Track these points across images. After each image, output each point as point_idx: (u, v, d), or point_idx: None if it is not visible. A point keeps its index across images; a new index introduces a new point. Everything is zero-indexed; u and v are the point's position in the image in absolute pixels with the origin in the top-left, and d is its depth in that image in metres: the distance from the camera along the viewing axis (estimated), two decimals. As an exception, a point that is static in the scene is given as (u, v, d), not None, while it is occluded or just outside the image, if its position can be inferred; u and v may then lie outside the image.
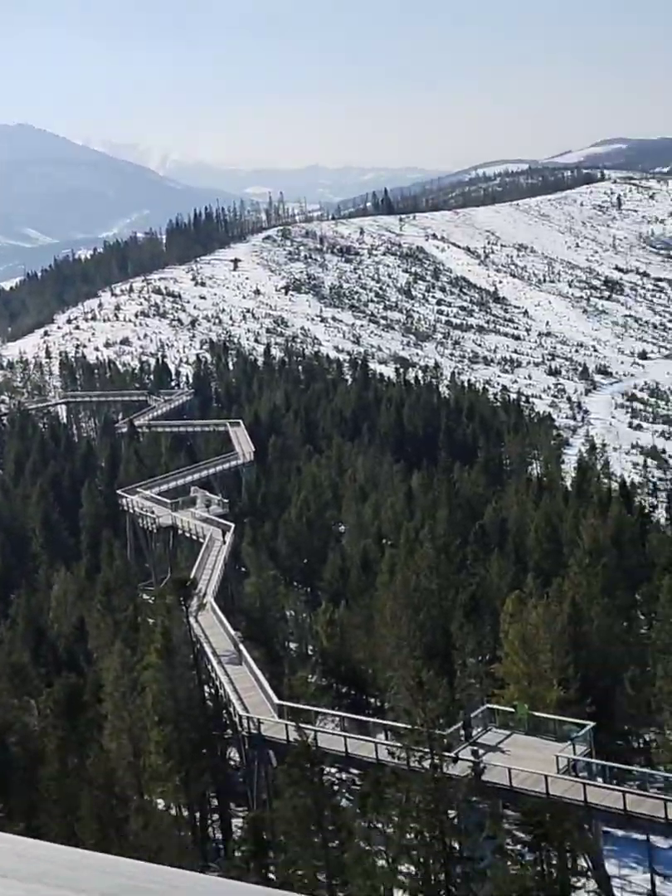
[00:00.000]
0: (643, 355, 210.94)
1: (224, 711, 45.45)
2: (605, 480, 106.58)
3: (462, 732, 38.98)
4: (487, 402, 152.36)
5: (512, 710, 40.55)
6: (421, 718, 30.93)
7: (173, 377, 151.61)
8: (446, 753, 31.57)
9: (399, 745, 32.38)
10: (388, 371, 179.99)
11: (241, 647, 46.59)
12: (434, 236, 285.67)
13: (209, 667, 46.59)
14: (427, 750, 30.62)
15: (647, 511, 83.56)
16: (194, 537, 70.16)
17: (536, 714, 40.23)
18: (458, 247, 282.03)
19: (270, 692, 41.90)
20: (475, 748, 36.97)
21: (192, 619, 46.55)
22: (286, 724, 38.85)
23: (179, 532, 72.71)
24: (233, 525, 67.64)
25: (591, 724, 38.74)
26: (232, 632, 48.69)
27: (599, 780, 38.08)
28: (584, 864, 35.93)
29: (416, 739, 30.97)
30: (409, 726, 31.99)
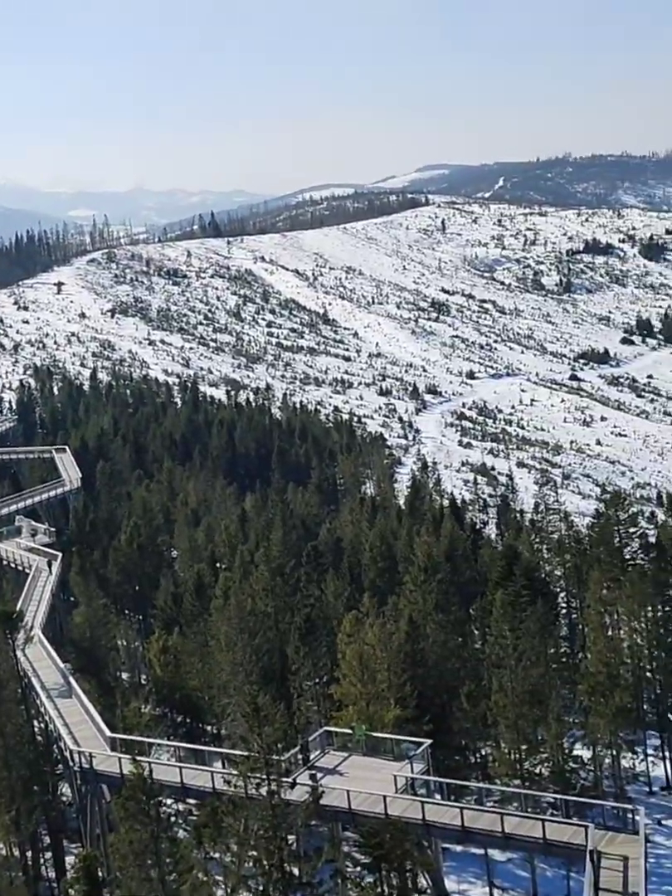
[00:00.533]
0: (471, 375, 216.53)
1: (55, 746, 43.51)
2: (437, 498, 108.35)
3: (300, 757, 38.31)
4: (320, 422, 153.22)
5: (350, 731, 40.14)
6: (258, 744, 30.15)
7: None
8: (284, 779, 30.86)
9: (235, 772, 31.47)
10: (220, 393, 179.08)
11: (71, 679, 44.74)
12: (262, 259, 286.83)
13: (38, 701, 44.57)
14: (264, 776, 29.85)
15: (478, 527, 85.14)
16: (20, 568, 67.39)
17: (374, 734, 39.95)
18: (287, 269, 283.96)
19: (102, 725, 40.32)
20: (313, 772, 36.33)
21: (18, 653, 44.41)
22: (119, 758, 37.42)
23: (3, 563, 69.71)
24: (60, 554, 65.30)
25: (428, 741, 38.70)
26: (61, 664, 46.73)
27: (437, 796, 38.06)
28: (424, 883, 35.76)
29: (252, 766, 30.16)
30: (245, 753, 31.16)
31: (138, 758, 33.30)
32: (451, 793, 42.44)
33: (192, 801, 42.01)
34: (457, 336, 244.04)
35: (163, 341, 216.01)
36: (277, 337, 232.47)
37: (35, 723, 45.37)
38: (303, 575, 62.66)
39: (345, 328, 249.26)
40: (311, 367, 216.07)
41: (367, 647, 45.28)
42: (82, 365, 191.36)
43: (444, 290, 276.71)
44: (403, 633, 48.99)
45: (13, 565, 68.80)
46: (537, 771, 44.33)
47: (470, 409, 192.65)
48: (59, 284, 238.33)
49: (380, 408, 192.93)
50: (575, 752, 46.26)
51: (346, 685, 45.28)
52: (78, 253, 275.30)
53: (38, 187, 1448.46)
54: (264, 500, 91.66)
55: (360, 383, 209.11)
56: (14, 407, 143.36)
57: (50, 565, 63.19)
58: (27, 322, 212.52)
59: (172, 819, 42.91)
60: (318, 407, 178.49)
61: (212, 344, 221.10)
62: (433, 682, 48.87)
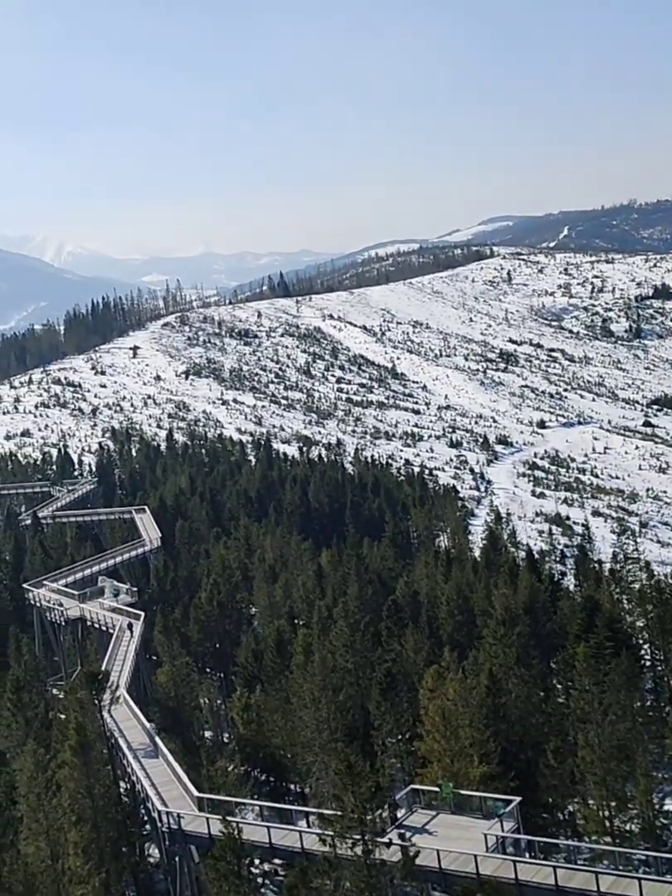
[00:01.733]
0: (541, 424, 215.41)
1: (143, 807, 43.87)
2: (513, 549, 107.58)
3: (388, 815, 38.13)
4: (392, 476, 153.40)
5: (436, 789, 39.88)
6: (352, 803, 30.08)
7: (76, 467, 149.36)
8: (378, 838, 30.72)
9: (329, 832, 31.33)
10: (292, 450, 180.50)
11: (157, 739, 45.17)
12: (331, 316, 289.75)
13: (125, 762, 45.02)
14: (358, 836, 29.77)
15: (556, 578, 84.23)
16: (104, 628, 68.40)
17: (461, 792, 39.61)
18: (355, 326, 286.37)
19: (189, 785, 40.50)
20: (402, 831, 36.13)
21: (105, 713, 45.08)
22: (207, 818, 37.55)
23: (88, 624, 70.83)
24: (143, 614, 66.21)
25: (518, 799, 38.23)
26: (147, 724, 47.24)
27: (527, 855, 37.57)
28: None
29: (346, 825, 30.09)
30: (338, 812, 31.09)
31: (228, 818, 33.54)
32: (541, 851, 41.85)
33: (279, 861, 41.89)
34: (526, 386, 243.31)
35: (236, 400, 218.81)
36: (347, 392, 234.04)
37: (122, 784, 45.81)
38: (382, 630, 62.74)
39: (413, 382, 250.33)
40: (380, 421, 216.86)
41: (448, 703, 45.05)
42: (158, 426, 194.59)
43: (511, 341, 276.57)
44: (484, 687, 48.68)
45: (97, 626, 69.81)
46: (628, 828, 43.47)
47: (542, 458, 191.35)
48: (135, 348, 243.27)
49: (450, 460, 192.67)
50: (665, 808, 45.37)
51: (429, 741, 45.08)
52: (152, 317, 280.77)
53: (112, 255, 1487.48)
54: (340, 554, 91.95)
55: (430, 436, 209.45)
56: (94, 469, 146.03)
57: (131, 628, 64.00)
58: (105, 386, 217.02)
59: (261, 880, 43.05)
60: (390, 461, 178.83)
61: (283, 402, 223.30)
62: (517, 737, 48.40)
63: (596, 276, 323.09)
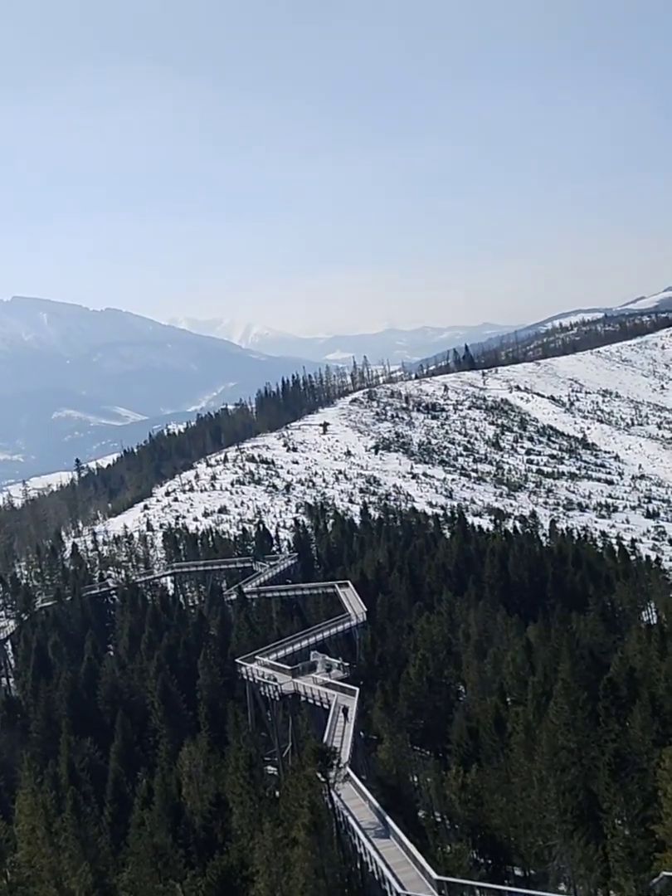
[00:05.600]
0: None
1: (378, 889, 43.36)
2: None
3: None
4: (591, 548, 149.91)
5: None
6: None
7: (274, 542, 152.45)
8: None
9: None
10: (485, 523, 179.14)
11: (387, 818, 44.73)
12: (517, 388, 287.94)
13: (355, 842, 44.76)
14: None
15: None
16: (317, 704, 68.87)
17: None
18: (543, 396, 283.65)
19: (427, 867, 39.51)
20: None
21: (333, 792, 45.11)
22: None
23: (302, 699, 71.49)
24: (357, 689, 66.32)
25: None
26: (375, 802, 46.91)
27: None
28: None
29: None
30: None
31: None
32: None
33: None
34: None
35: (425, 474, 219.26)
36: (537, 464, 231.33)
37: (352, 863, 45.48)
38: (601, 708, 60.88)
39: (605, 451, 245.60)
40: (573, 492, 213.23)
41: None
42: (350, 501, 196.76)
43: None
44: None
45: (311, 701, 70.34)
46: None
47: None
48: (325, 425, 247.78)
49: (648, 531, 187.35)
50: None
51: (669, 824, 43.29)
52: (340, 394, 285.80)
53: (297, 335, 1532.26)
54: (547, 629, 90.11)
55: (625, 506, 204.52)
56: (291, 545, 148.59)
57: (349, 700, 64.17)
58: (297, 462, 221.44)
59: None
60: (584, 532, 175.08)
61: (473, 474, 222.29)
62: None
63: None
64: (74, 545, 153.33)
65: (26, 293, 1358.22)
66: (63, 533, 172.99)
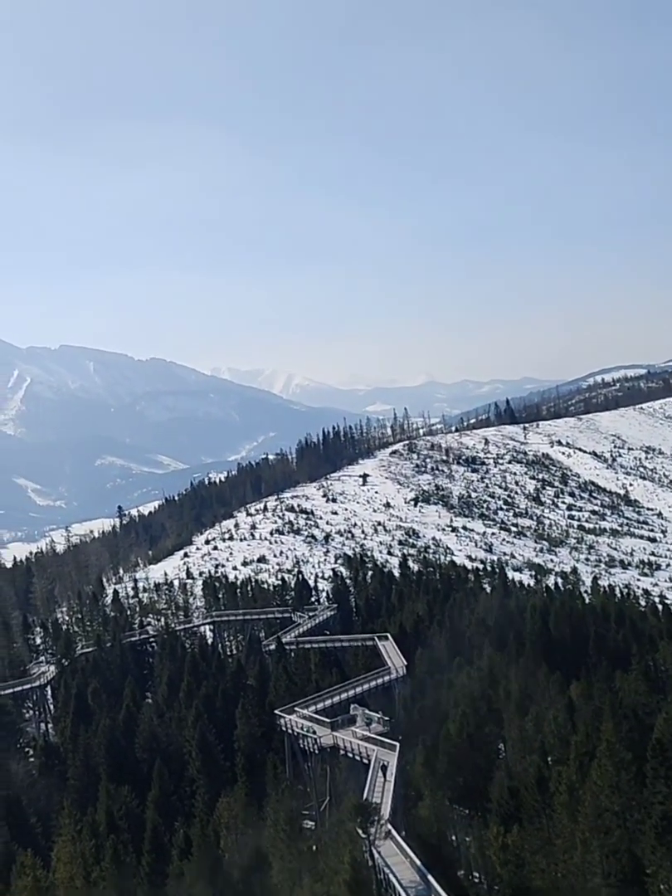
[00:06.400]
0: None
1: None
2: None
3: None
4: (635, 606, 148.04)
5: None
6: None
7: (313, 592, 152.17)
8: None
9: None
10: (525, 578, 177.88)
11: (430, 877, 44.15)
12: (559, 442, 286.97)
13: (397, 901, 44.21)
14: None
15: None
16: (357, 758, 68.29)
17: None
18: (584, 452, 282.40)
19: (470, 927, 39.08)
20: None
21: (374, 849, 44.61)
22: None
23: (341, 752, 70.91)
24: (397, 744, 65.72)
25: None
26: (416, 860, 46.34)
27: None
28: None
29: None
30: None
31: None
32: None
33: None
34: None
35: (465, 527, 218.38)
36: (578, 519, 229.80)
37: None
38: (648, 769, 59.82)
39: (648, 508, 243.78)
40: (615, 548, 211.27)
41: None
42: (389, 553, 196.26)
43: None
44: None
45: (350, 755, 69.76)
46: None
47: None
48: (365, 476, 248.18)
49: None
50: None
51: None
52: (380, 445, 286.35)
53: (337, 386, 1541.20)
54: (589, 688, 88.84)
55: (668, 564, 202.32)
56: (330, 596, 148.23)
57: (388, 756, 63.59)
58: (336, 513, 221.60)
59: None
60: (627, 590, 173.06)
61: (513, 528, 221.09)
62: None
63: None
64: (115, 592, 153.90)
65: (74, 342, 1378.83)
66: (104, 579, 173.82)
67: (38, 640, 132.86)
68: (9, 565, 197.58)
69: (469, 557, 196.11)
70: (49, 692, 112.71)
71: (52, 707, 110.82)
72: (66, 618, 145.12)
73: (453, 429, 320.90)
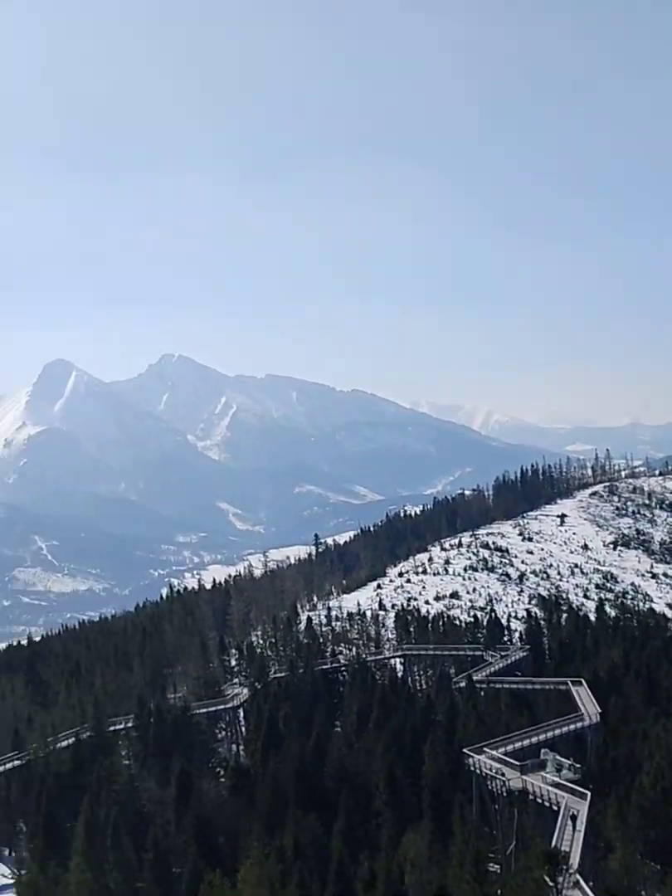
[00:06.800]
0: None
1: None
2: None
3: None
4: None
5: None
6: None
7: (505, 632, 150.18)
8: None
9: None
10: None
11: (619, 932, 42.85)
12: None
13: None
14: None
15: None
16: (546, 804, 66.95)
17: None
18: None
19: None
20: None
21: (561, 898, 43.75)
22: None
23: (530, 797, 69.68)
24: (588, 793, 64.08)
25: None
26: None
27: None
28: None
29: None
30: None
31: None
32: None
33: None
34: None
35: (665, 574, 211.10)
36: None
37: None
38: None
39: None
40: None
41: None
42: (585, 596, 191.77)
43: None
44: None
45: (539, 800, 68.47)
46: None
47: None
48: (563, 516, 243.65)
49: None
50: None
51: None
52: (579, 486, 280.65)
53: (536, 423, 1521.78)
54: None
55: None
56: (523, 636, 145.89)
57: (574, 816, 61.87)
58: (531, 552, 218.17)
59: None
60: None
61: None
62: None
63: None
64: (308, 619, 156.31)
65: (279, 371, 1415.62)
66: (298, 605, 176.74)
67: (233, 662, 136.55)
68: (208, 587, 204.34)
69: (669, 606, 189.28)
70: (242, 714, 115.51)
71: (243, 729, 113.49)
72: (261, 641, 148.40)
73: (657, 472, 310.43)
